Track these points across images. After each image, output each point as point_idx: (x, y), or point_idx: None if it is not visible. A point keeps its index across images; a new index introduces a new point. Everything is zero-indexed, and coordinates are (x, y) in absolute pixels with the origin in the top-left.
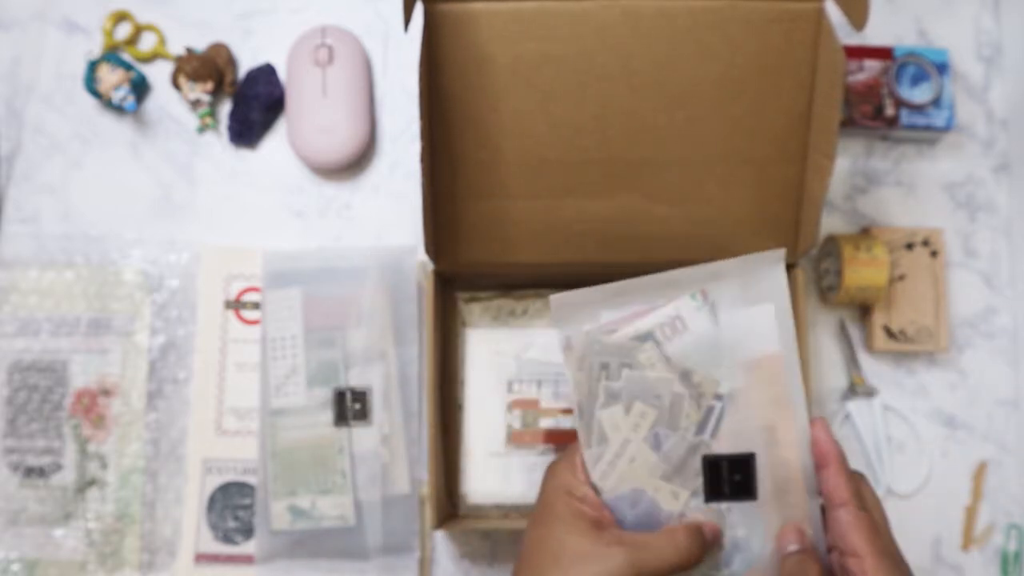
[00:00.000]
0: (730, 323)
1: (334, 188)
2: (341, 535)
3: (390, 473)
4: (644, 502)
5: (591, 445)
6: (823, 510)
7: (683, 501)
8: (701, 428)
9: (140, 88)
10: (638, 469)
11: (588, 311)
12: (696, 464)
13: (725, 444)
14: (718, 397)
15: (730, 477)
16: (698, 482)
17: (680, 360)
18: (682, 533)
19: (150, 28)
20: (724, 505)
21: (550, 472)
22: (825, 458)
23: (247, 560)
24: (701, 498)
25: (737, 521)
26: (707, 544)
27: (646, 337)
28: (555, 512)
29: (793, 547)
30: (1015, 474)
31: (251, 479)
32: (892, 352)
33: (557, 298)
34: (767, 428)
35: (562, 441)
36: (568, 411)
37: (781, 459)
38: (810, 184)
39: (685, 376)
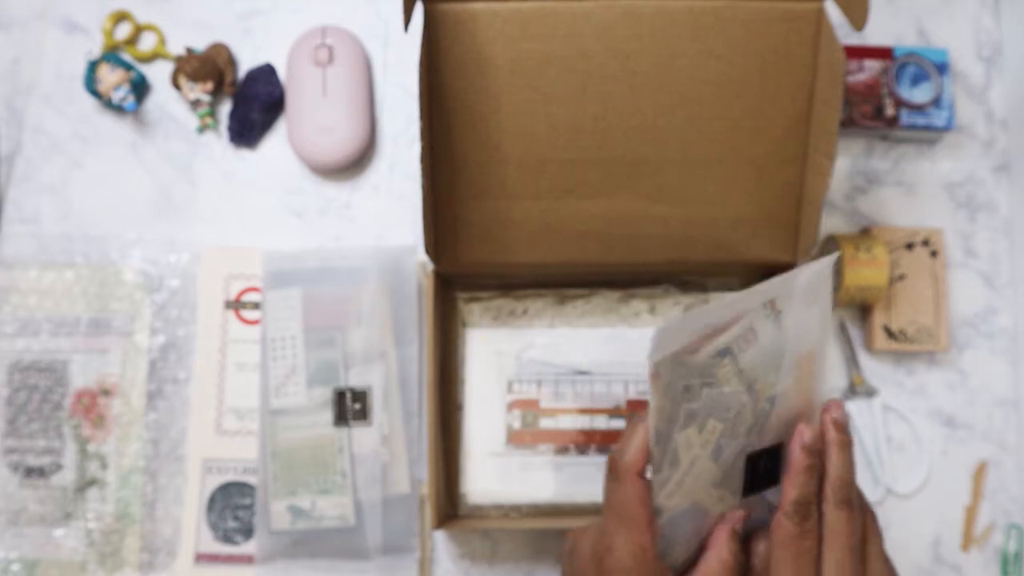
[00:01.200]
0: (790, 327)
1: (334, 188)
2: (341, 535)
3: (390, 473)
4: (697, 512)
5: (662, 470)
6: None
7: (726, 503)
8: (750, 431)
9: (140, 88)
10: (699, 482)
11: (679, 335)
12: (740, 464)
13: (763, 440)
14: (770, 400)
15: (765, 469)
16: (739, 481)
17: (749, 371)
18: (725, 548)
19: (150, 28)
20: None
21: (611, 559)
22: (789, 464)
23: (247, 560)
24: (738, 495)
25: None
26: (740, 536)
27: (724, 352)
28: None
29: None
30: (1015, 474)
31: (251, 479)
32: (892, 352)
33: (662, 329)
34: (797, 416)
35: (562, 441)
36: (567, 411)
37: None
38: (810, 184)
39: (751, 386)
